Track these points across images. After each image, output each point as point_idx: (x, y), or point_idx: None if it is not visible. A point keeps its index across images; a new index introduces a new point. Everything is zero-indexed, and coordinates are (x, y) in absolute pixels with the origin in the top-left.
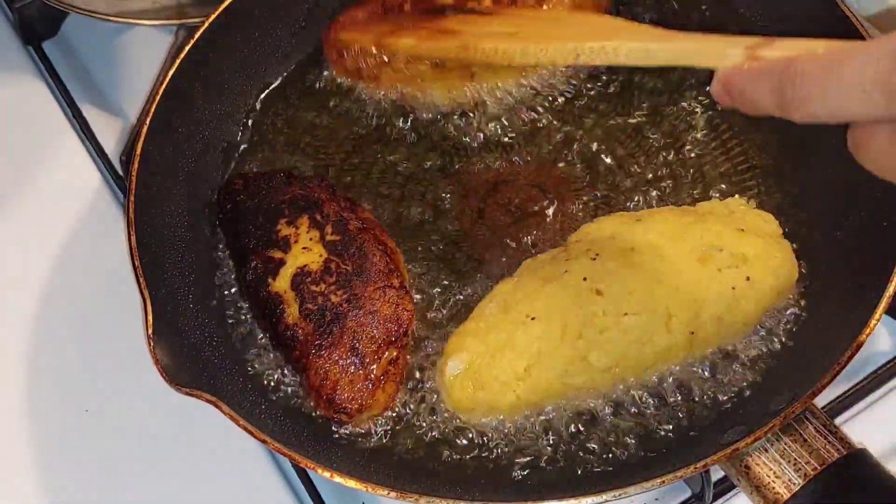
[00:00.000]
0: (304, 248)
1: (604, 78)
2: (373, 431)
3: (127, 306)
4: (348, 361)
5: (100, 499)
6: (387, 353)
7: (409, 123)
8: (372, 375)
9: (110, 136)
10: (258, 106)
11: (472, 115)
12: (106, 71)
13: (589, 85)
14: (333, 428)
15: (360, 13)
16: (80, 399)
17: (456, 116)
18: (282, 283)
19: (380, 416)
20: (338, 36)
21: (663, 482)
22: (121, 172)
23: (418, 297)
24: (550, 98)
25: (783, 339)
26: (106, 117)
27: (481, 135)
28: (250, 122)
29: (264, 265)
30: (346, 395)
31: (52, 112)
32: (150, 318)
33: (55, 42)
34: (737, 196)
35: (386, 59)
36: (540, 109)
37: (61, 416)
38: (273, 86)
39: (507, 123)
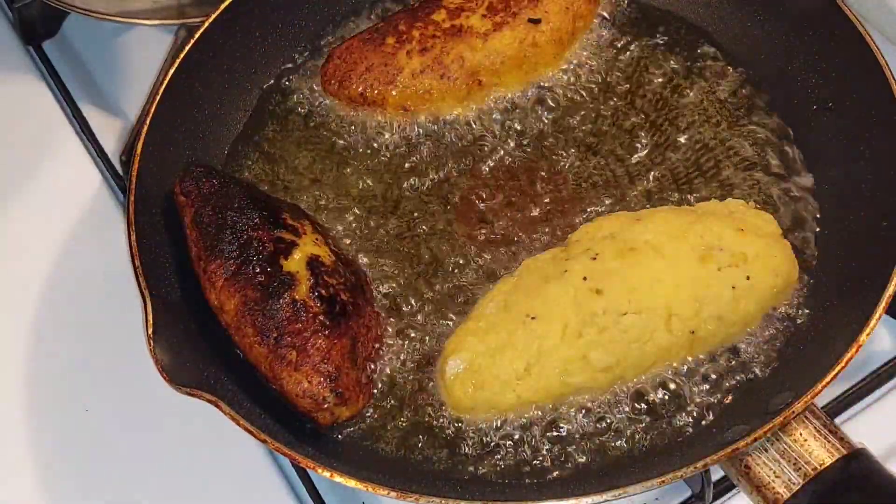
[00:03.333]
0: (314, 241)
1: (607, 79)
2: (373, 431)
3: (127, 306)
4: (347, 355)
5: (99, 498)
6: (368, 366)
7: (416, 136)
8: (361, 379)
9: (110, 136)
10: (256, 105)
11: (476, 123)
12: (106, 71)
13: (591, 87)
14: (335, 433)
15: (355, 41)
16: (79, 398)
17: (460, 125)
18: (295, 265)
19: (346, 422)
20: (337, 66)
21: (663, 482)
22: (121, 172)
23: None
24: (553, 100)
25: (783, 339)
26: (106, 117)
27: (486, 140)
28: (249, 121)
29: (274, 244)
30: (343, 380)
31: (52, 112)
32: (150, 317)
33: (55, 42)
34: (735, 197)
35: (390, 79)
36: (542, 113)
37: (61, 415)
38: (271, 84)
39: (511, 127)
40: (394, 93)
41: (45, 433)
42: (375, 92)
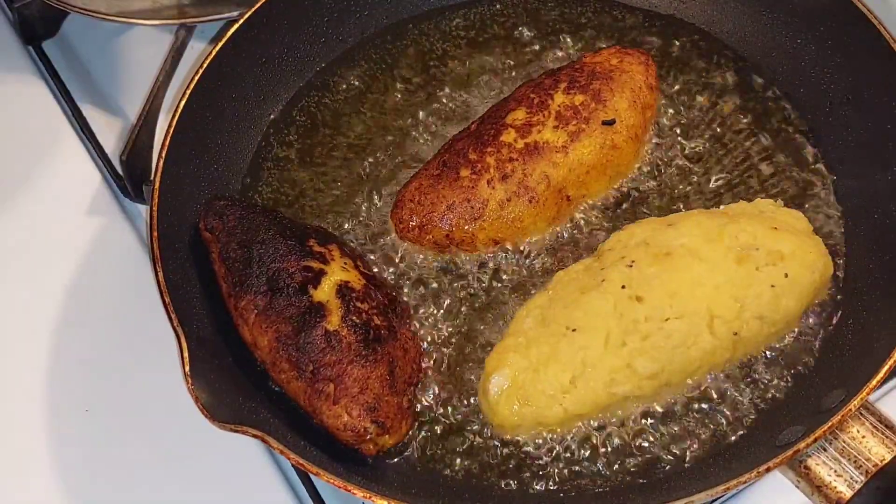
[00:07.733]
0: (342, 266)
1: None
2: (420, 455)
3: (126, 304)
4: (386, 382)
5: (100, 498)
6: (409, 389)
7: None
8: (402, 404)
9: (110, 136)
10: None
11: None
12: (106, 71)
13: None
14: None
15: (424, 180)
16: (79, 399)
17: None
18: (325, 294)
19: (390, 449)
20: (413, 210)
21: (727, 489)
22: (121, 172)
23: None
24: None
25: (825, 337)
26: (106, 117)
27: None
28: (263, 140)
29: (302, 274)
30: (384, 409)
31: (52, 112)
32: (185, 355)
33: (55, 42)
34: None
35: (477, 214)
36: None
37: (61, 415)
38: (285, 104)
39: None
40: (484, 227)
41: (45, 433)
42: (463, 231)
